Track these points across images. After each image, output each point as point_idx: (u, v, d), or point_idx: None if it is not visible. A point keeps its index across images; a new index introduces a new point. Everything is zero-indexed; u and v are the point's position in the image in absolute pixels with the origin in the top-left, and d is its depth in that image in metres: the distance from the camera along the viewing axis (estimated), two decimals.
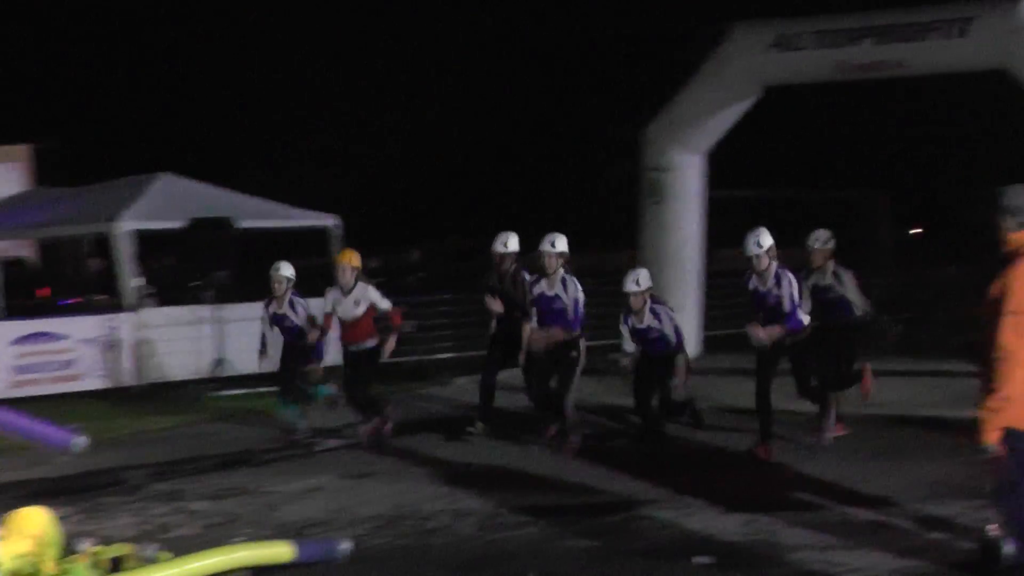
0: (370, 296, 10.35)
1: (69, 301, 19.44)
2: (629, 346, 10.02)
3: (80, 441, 7.00)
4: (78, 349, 15.34)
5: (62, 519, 7.16)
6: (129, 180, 18.93)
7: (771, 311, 9.42)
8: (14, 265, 21.10)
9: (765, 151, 34.17)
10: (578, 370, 9.98)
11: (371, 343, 10.45)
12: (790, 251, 11.84)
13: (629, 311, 9.85)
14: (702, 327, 16.20)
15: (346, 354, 10.78)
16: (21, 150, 24.52)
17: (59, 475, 10.36)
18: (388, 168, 46.60)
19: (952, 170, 34.39)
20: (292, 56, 49.90)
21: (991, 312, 5.40)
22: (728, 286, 15.70)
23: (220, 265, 15.86)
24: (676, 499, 8.55)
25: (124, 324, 15.62)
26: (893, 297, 18.48)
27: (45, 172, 24.48)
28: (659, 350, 9.93)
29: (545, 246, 9.88)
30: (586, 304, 9.94)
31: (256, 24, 52.55)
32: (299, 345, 11.07)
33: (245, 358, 14.08)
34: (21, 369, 15.11)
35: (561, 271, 10.08)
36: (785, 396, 10.47)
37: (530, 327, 9.97)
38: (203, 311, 15.89)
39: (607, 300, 12.95)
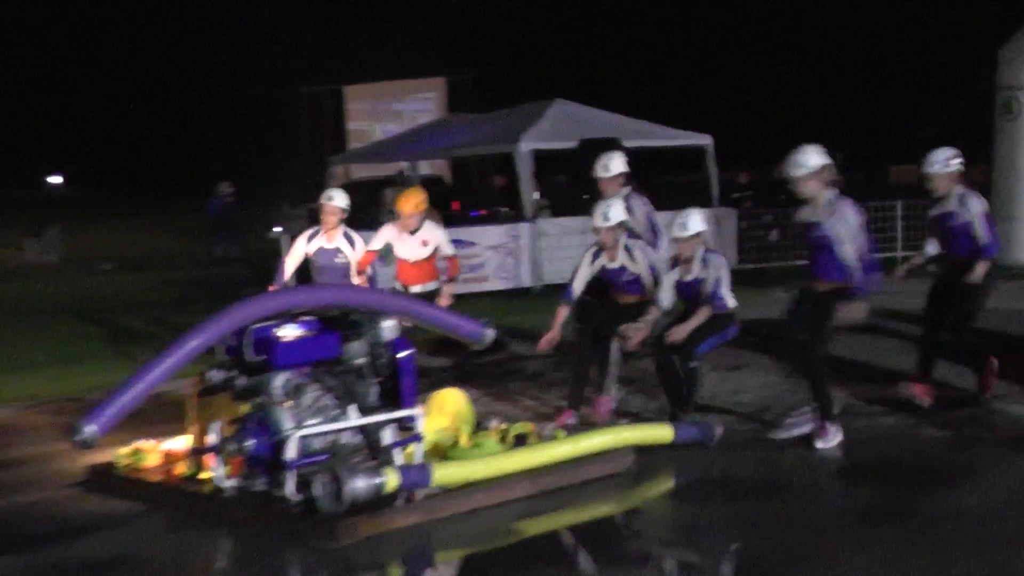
0: (438, 238, 9.37)
1: (477, 213, 20.19)
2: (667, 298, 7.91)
3: (488, 333, 7.63)
4: (484, 255, 16.47)
5: (474, 401, 8.19)
6: (527, 107, 20.03)
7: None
8: (435, 183, 22.76)
9: None
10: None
11: (433, 285, 9.37)
12: None
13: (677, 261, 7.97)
14: None
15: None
16: (437, 82, 26.26)
17: (468, 363, 10.83)
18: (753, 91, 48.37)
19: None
20: None
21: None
22: None
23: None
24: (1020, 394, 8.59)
25: (523, 233, 16.72)
26: None
27: (457, 101, 25.41)
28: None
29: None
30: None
31: None
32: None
33: None
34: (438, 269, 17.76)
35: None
36: None
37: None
38: (590, 220, 17.63)
39: None
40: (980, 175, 16.80)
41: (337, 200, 9.46)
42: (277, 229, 19.93)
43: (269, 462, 7.01)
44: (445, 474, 6.35)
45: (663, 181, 21.12)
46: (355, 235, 9.63)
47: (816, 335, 7.13)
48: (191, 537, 6.77)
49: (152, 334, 12.56)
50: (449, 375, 9.53)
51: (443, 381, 8.62)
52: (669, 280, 7.82)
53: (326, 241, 9.47)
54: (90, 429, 6.45)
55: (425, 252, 9.41)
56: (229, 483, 7.06)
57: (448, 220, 17.57)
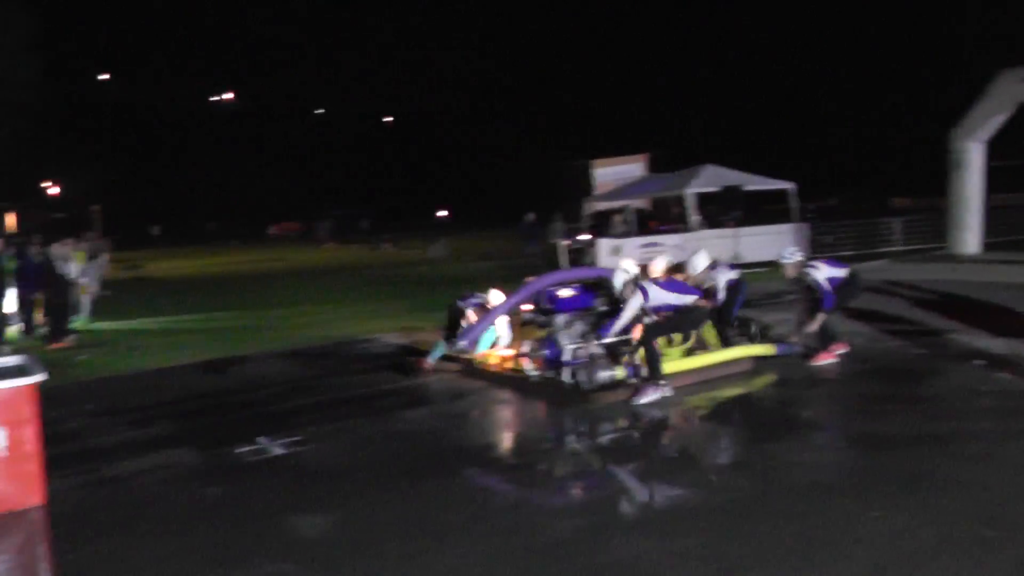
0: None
1: (665, 227, 24.85)
2: None
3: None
4: (668, 250, 19.97)
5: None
6: (691, 169, 25.74)
7: None
8: (642, 211, 27.41)
9: None
10: None
11: None
12: None
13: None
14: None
15: None
16: (643, 156, 31.41)
17: None
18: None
19: None
20: None
21: None
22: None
23: (735, 208, 22.86)
24: (967, 329, 11.24)
25: (689, 239, 22.05)
26: None
27: (653, 166, 30.74)
28: None
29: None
30: None
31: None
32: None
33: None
34: (642, 260, 18.47)
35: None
36: None
37: None
38: (728, 231, 22.78)
39: None
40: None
41: None
42: (557, 240, 24.76)
43: (555, 362, 9.33)
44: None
45: (766, 208, 26.95)
46: None
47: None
48: (514, 399, 9.38)
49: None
50: None
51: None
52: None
53: None
54: (462, 343, 9.97)
55: None
56: (534, 373, 9.59)
57: (647, 232, 23.92)
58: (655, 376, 8.69)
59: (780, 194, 25.16)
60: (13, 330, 16.17)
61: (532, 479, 6.77)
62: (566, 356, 9.10)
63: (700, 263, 10.58)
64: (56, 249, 16.34)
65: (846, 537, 5.18)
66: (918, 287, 16.14)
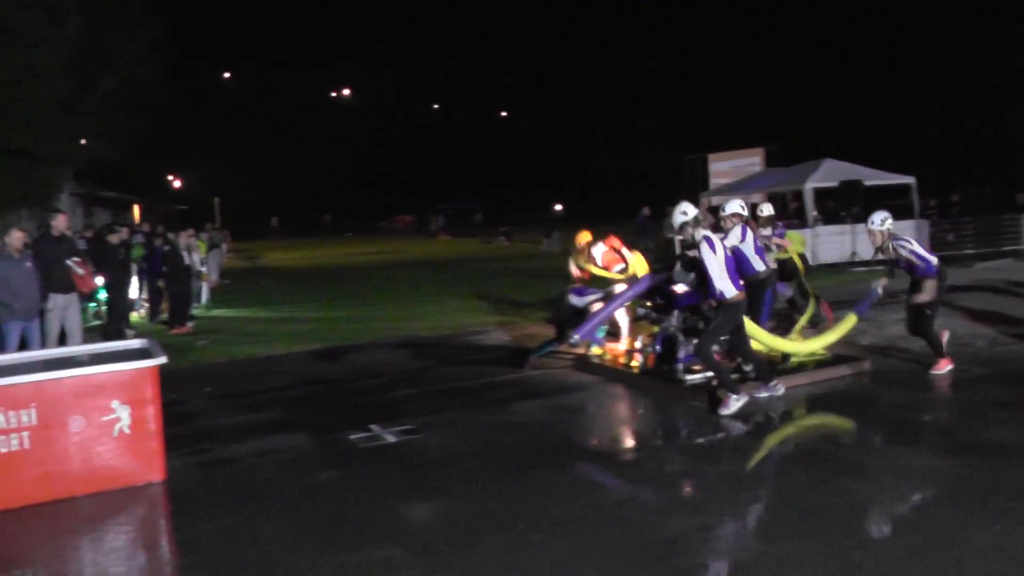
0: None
1: (781, 222, 24.96)
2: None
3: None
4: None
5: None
6: (811, 163, 25.07)
7: None
8: (754, 206, 29.56)
9: None
10: None
11: None
12: None
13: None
14: None
15: None
16: (760, 151, 31.25)
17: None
18: None
19: None
20: None
21: None
22: None
23: (854, 204, 22.04)
24: None
25: (807, 235, 20.12)
26: None
27: (770, 160, 30.53)
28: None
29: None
30: None
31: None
32: None
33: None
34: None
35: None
36: None
37: None
38: (846, 228, 22.17)
39: None
40: None
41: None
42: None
43: (668, 358, 9.29)
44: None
45: (886, 204, 26.95)
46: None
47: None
48: (626, 394, 9.39)
49: None
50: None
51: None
52: None
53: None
54: (575, 337, 9.55)
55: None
56: (647, 369, 9.70)
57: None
58: (728, 386, 8.25)
59: (901, 189, 24.53)
60: (137, 315, 16.82)
61: (641, 475, 6.71)
62: (680, 352, 9.03)
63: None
64: (182, 239, 16.99)
65: (966, 550, 4.98)
66: None
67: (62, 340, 11.66)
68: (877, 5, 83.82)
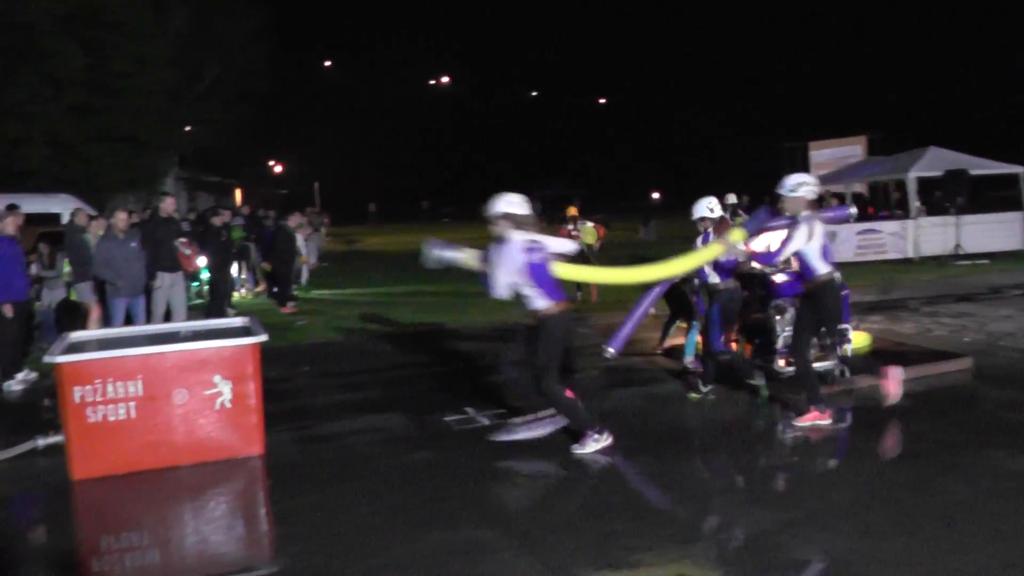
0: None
1: (883, 214, 23.85)
2: None
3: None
4: (886, 238, 21.64)
5: (876, 324, 11.68)
6: (914, 152, 24.07)
7: None
8: (859, 197, 26.32)
9: None
10: None
11: None
12: None
13: None
14: None
15: None
16: (861, 139, 30.78)
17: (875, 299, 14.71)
18: None
19: None
20: None
21: None
22: None
23: (959, 194, 21.02)
24: None
25: (909, 226, 21.55)
26: None
27: (872, 149, 29.98)
28: None
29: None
30: None
31: None
32: None
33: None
34: (860, 246, 21.34)
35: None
36: None
37: None
38: (950, 219, 21.24)
39: None
40: None
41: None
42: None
43: (766, 348, 9.06)
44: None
45: (992, 195, 25.19)
46: None
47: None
48: (722, 384, 8.83)
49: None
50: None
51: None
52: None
53: None
54: (610, 351, 8.77)
55: None
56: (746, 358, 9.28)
57: (864, 218, 22.02)
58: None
59: (1010, 179, 23.33)
60: (238, 294, 17.24)
61: (734, 467, 6.64)
62: (778, 344, 8.86)
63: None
64: (291, 221, 17.40)
65: None
66: None
67: (167, 317, 12.01)
68: None
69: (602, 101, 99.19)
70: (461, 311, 15.20)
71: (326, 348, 12.40)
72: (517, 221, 6.90)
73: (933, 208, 22.45)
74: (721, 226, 8.32)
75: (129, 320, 11.25)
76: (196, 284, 16.51)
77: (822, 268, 7.18)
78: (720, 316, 8.30)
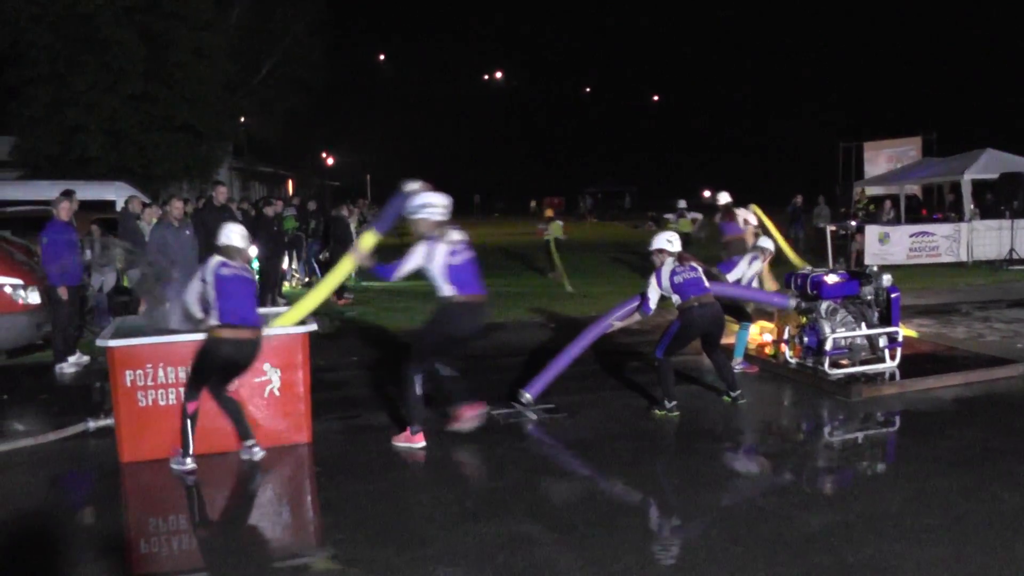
0: None
1: (937, 216, 23.67)
2: None
3: (791, 302, 9.25)
4: (939, 241, 20.97)
5: (927, 328, 11.67)
6: (970, 153, 23.77)
7: None
8: (912, 199, 26.05)
9: None
10: None
11: None
12: None
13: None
14: None
15: None
16: (916, 140, 30.05)
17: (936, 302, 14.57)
18: None
19: None
20: None
21: None
22: None
23: (1016, 196, 20.51)
24: None
25: (963, 229, 21.09)
26: None
27: (927, 150, 29.12)
28: None
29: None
30: None
31: None
32: None
33: None
34: (913, 249, 20.75)
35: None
36: None
37: None
38: (1006, 223, 20.47)
39: None
40: None
41: None
42: (822, 224, 22.49)
43: (816, 350, 8.96)
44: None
45: None
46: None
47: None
48: (771, 385, 9.14)
49: None
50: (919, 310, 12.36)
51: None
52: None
53: None
54: (527, 397, 8.16)
55: None
56: (793, 360, 9.40)
57: (918, 220, 22.42)
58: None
59: None
60: (288, 285, 17.36)
61: (783, 468, 6.55)
62: (827, 345, 8.74)
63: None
64: (343, 211, 17.51)
65: None
66: None
67: None
68: None
69: (655, 99, 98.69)
70: (509, 306, 15.18)
71: (375, 338, 12.37)
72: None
73: (987, 211, 22.07)
74: (684, 258, 8.08)
75: None
76: None
77: (445, 290, 6.85)
78: (676, 332, 7.94)
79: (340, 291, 16.23)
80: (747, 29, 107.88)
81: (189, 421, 6.53)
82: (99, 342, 6.86)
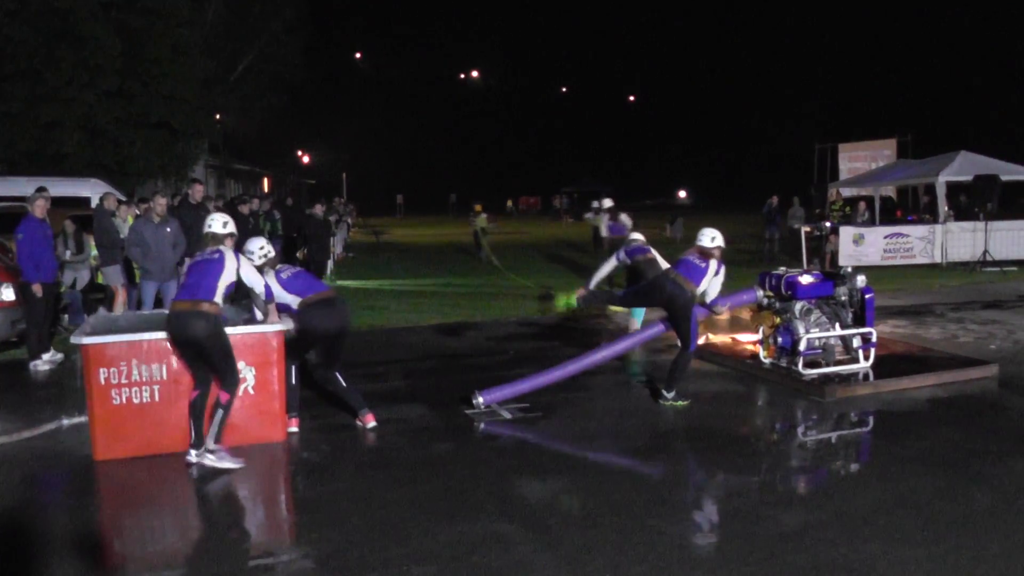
0: None
1: (912, 217, 23.90)
2: None
3: (759, 294, 9.34)
4: (914, 243, 21.03)
5: (901, 329, 11.63)
6: (944, 155, 23.58)
7: None
8: (887, 200, 26.05)
9: None
10: None
11: None
12: None
13: None
14: None
15: None
16: (891, 142, 30.25)
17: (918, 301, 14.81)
18: None
19: None
20: None
21: None
22: None
23: (990, 199, 20.15)
24: None
25: (938, 231, 20.98)
26: None
27: (902, 152, 29.42)
28: None
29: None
30: None
31: None
32: None
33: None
34: (887, 250, 20.84)
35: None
36: None
37: None
38: (980, 225, 20.54)
39: None
40: None
41: None
42: (796, 225, 22.00)
43: (790, 350, 8.99)
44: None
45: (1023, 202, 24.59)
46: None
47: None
48: (745, 385, 9.07)
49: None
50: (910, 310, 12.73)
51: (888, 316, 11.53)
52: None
53: None
54: (479, 400, 8.05)
55: None
56: (767, 360, 9.42)
57: (892, 221, 22.24)
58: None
59: None
60: None
61: (757, 468, 6.54)
62: (801, 345, 8.76)
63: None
64: (316, 210, 17.42)
65: None
66: None
67: None
68: None
69: (631, 99, 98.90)
70: (487, 305, 15.18)
71: (351, 338, 12.16)
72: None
73: (962, 213, 22.11)
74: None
75: (160, 304, 11.29)
76: None
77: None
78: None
79: None
80: (724, 31, 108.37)
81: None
82: (73, 339, 6.80)
